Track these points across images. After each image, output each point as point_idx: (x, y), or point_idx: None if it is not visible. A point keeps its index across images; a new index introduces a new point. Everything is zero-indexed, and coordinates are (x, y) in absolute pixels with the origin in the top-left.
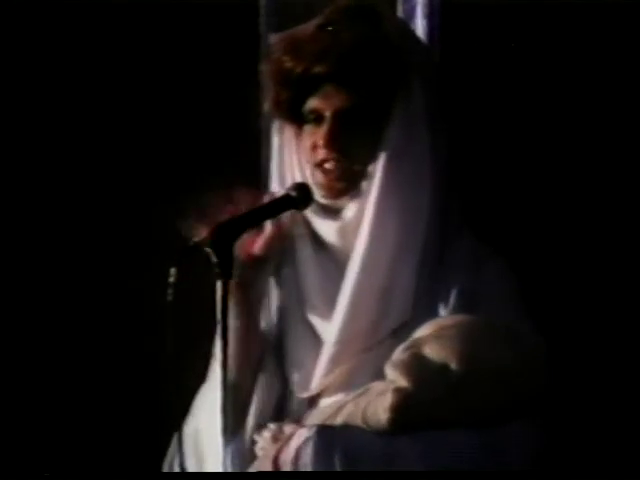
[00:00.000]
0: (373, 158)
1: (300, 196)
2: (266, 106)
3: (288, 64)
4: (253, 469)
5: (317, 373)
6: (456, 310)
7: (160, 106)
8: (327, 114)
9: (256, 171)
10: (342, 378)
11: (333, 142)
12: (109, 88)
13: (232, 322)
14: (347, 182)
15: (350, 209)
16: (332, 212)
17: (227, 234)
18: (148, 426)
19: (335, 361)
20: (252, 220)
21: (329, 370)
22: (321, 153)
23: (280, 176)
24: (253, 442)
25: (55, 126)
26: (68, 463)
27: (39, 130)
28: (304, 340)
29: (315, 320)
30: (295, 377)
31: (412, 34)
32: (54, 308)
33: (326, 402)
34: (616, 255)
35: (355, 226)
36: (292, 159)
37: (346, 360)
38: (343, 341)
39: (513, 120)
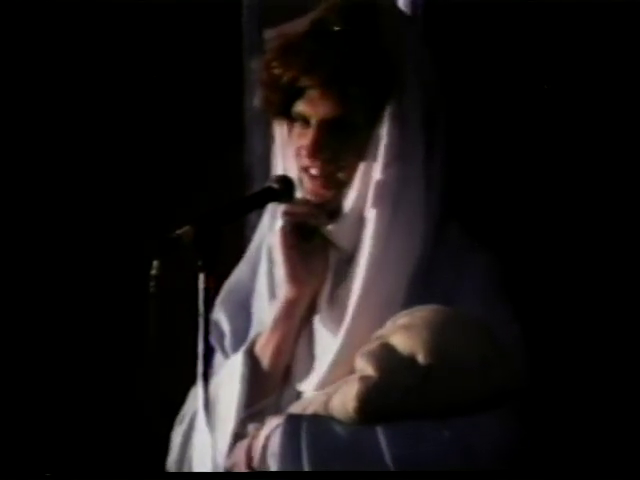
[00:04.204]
0: (358, 166)
1: (282, 189)
2: (256, 102)
3: (277, 70)
4: (230, 459)
5: (318, 372)
6: None
7: (142, 102)
8: (313, 121)
9: (240, 167)
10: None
11: (317, 151)
12: (91, 86)
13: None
14: (333, 190)
15: (347, 215)
16: (330, 216)
17: (209, 226)
18: (131, 420)
19: (337, 363)
20: (234, 212)
21: (330, 371)
22: (305, 161)
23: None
24: (238, 436)
25: (41, 121)
26: (64, 461)
27: (25, 125)
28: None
29: (318, 323)
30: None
31: (410, 32)
32: (36, 300)
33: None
34: (605, 253)
35: (355, 230)
36: (285, 156)
37: (348, 362)
38: (348, 344)
39: (501, 117)
